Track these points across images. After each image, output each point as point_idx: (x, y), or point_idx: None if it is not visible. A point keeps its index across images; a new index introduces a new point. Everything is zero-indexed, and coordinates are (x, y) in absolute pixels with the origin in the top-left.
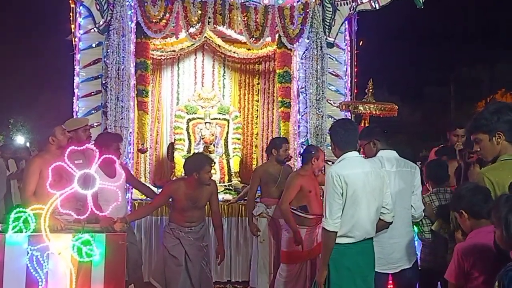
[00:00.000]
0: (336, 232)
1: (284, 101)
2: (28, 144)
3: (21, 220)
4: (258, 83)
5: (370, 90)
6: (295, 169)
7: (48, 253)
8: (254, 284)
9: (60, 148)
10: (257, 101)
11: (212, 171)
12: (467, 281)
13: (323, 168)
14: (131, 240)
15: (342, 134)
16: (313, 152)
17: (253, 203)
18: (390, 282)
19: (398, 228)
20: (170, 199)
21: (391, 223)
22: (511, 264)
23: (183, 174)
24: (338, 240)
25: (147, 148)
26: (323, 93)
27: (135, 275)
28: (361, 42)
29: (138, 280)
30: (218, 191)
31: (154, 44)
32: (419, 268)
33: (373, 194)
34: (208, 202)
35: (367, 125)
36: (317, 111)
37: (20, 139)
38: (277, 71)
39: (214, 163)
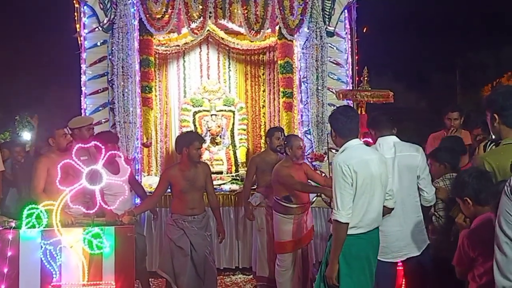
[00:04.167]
0: (348, 224)
1: (286, 91)
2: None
3: (34, 216)
4: (263, 74)
5: (365, 78)
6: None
7: (61, 247)
8: (256, 269)
9: (60, 150)
10: (264, 91)
11: (219, 162)
12: (473, 267)
13: (300, 156)
14: (138, 231)
15: (344, 121)
16: (286, 142)
17: (249, 190)
18: (400, 264)
19: (400, 215)
20: (169, 189)
21: (393, 208)
22: None
23: None
24: (349, 231)
25: (150, 142)
26: (323, 82)
27: (141, 265)
28: (364, 29)
29: (143, 270)
30: (226, 181)
31: (158, 40)
32: (433, 257)
33: (381, 180)
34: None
35: (363, 113)
36: (318, 100)
37: (26, 135)
38: (279, 62)
39: (205, 141)
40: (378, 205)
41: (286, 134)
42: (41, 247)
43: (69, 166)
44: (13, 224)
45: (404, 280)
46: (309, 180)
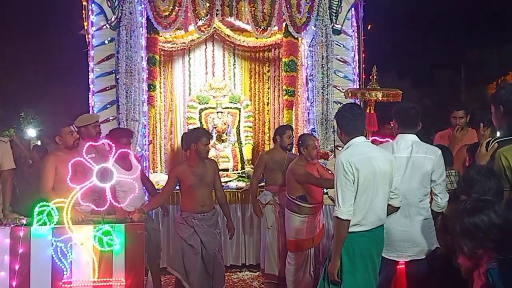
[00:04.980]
0: (349, 221)
1: (289, 90)
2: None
3: (45, 213)
4: (268, 71)
5: (375, 77)
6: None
7: (71, 244)
8: (264, 266)
9: (67, 147)
10: (268, 88)
11: (226, 159)
12: (478, 266)
13: (316, 156)
14: (153, 226)
15: (349, 119)
16: (300, 142)
17: (256, 187)
18: (401, 263)
19: (407, 216)
20: (178, 186)
21: (399, 208)
22: (489, 265)
23: None
24: (352, 229)
25: (151, 140)
26: (328, 80)
27: (156, 261)
28: (369, 26)
29: (157, 266)
30: (232, 178)
31: (165, 37)
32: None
33: (384, 178)
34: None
35: (372, 111)
36: (323, 98)
37: (31, 132)
38: (283, 59)
39: (212, 137)
40: (382, 203)
41: None
42: (52, 244)
43: (78, 163)
44: (24, 221)
45: (405, 280)
46: None
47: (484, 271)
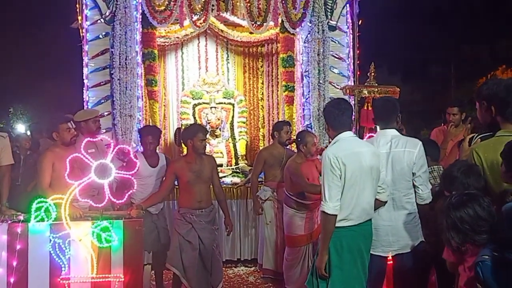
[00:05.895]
0: (336, 216)
1: (288, 85)
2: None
3: (43, 209)
4: (262, 66)
5: (372, 74)
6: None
7: (69, 240)
8: (261, 261)
9: (64, 144)
10: (262, 83)
11: (219, 154)
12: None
13: (315, 152)
14: (164, 226)
15: (336, 114)
16: (299, 140)
17: (257, 184)
18: (390, 259)
19: (391, 211)
20: (176, 183)
21: (386, 202)
22: (479, 258)
23: None
24: (340, 224)
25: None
26: (325, 76)
27: (161, 260)
28: (360, 22)
29: (162, 263)
30: (226, 174)
31: (158, 32)
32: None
33: (371, 173)
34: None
35: (370, 108)
36: (319, 94)
37: (20, 127)
38: (281, 55)
39: (208, 132)
40: (369, 197)
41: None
42: (50, 240)
43: (75, 159)
44: (21, 218)
45: (392, 275)
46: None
47: (469, 265)
